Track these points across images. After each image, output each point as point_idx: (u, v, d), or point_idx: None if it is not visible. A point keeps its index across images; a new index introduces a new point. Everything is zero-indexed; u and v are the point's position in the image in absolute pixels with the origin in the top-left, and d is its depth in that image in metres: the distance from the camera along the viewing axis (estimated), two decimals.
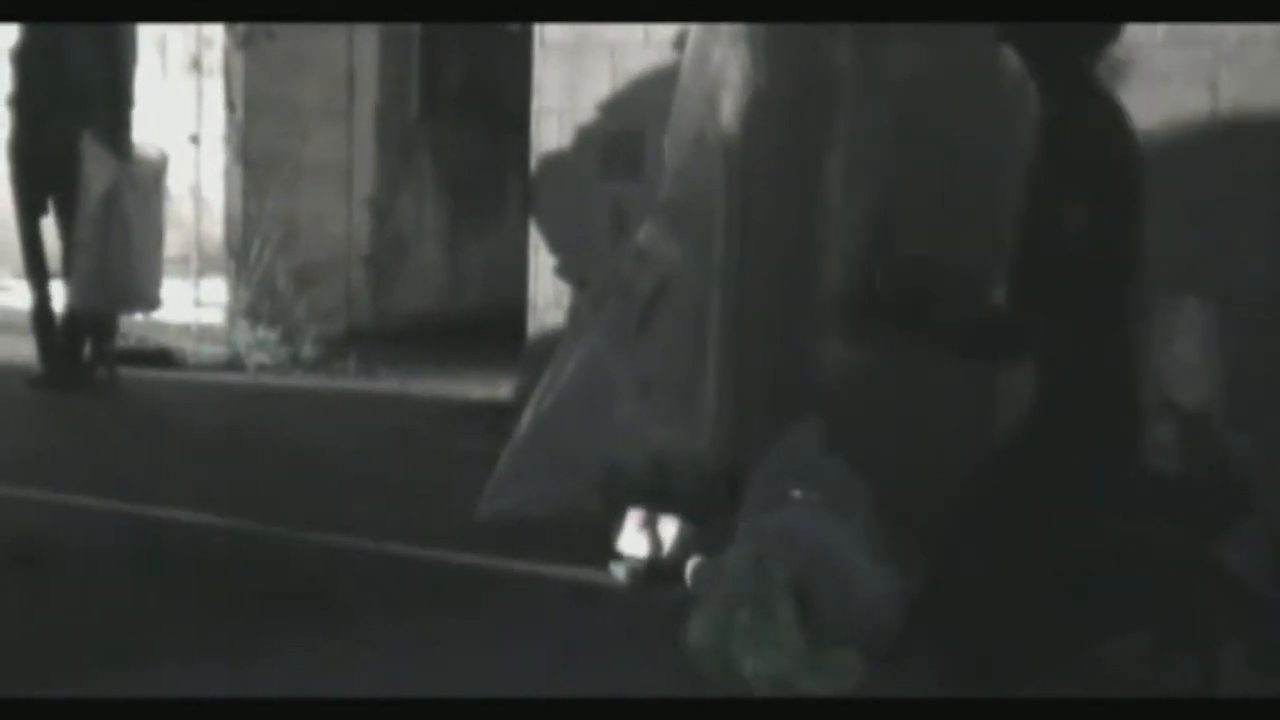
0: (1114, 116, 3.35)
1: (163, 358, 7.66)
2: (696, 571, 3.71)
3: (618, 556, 4.11)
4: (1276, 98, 4.12)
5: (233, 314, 8.24)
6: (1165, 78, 4.21)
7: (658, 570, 3.94)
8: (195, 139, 8.52)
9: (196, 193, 8.66)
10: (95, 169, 6.48)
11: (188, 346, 7.94)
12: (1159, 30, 4.24)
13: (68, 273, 6.63)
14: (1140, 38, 4.24)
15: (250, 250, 8.25)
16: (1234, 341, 4.00)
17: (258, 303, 8.19)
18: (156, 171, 6.86)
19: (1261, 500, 3.69)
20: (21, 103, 6.60)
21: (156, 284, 6.83)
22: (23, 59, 6.58)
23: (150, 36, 7.57)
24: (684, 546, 3.97)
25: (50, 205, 6.67)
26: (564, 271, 6.05)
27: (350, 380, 7.51)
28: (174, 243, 8.16)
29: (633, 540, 4.14)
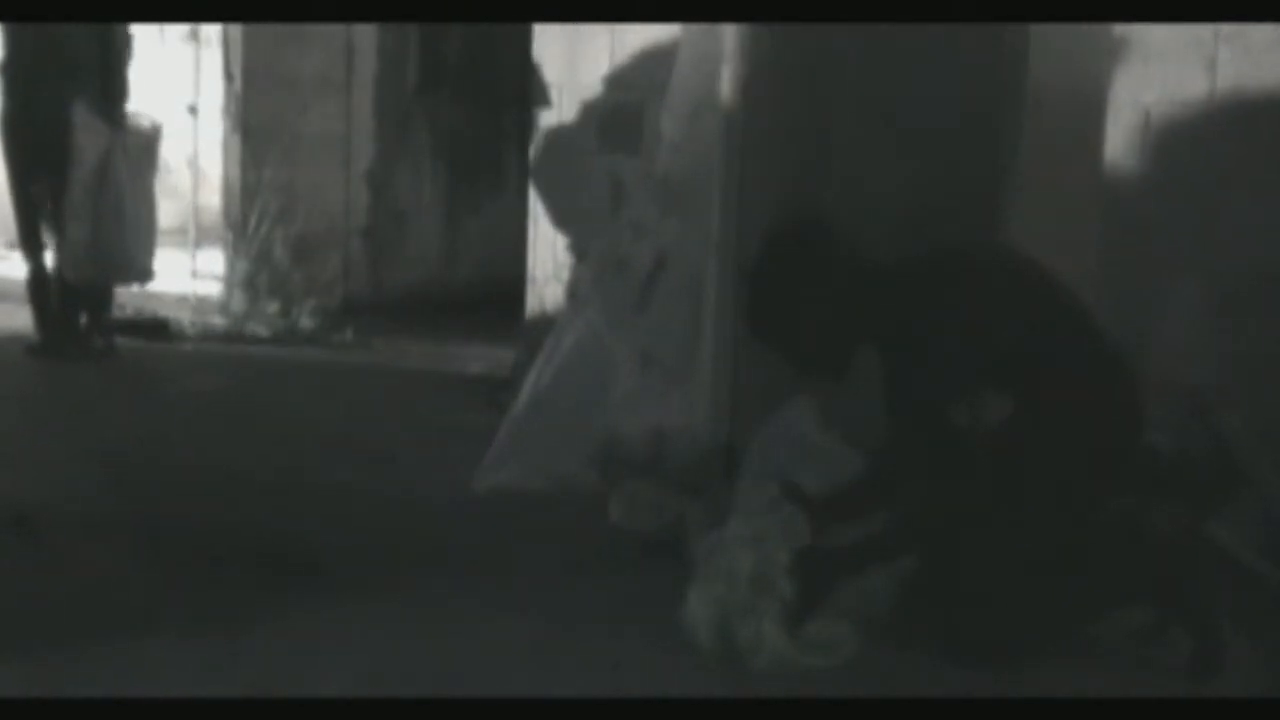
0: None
1: (159, 328, 7.67)
2: (694, 546, 3.72)
3: (614, 530, 4.12)
4: (1275, 77, 4.12)
5: (230, 285, 8.24)
6: (1163, 56, 4.20)
7: (654, 544, 3.95)
8: (193, 109, 8.51)
9: (194, 163, 8.65)
10: (88, 138, 6.47)
11: (185, 317, 7.94)
12: None
13: (60, 242, 6.63)
14: None
15: (248, 221, 8.25)
16: (1230, 319, 4.02)
17: (255, 274, 8.20)
18: (149, 141, 6.85)
19: (1255, 477, 3.70)
20: (13, 71, 6.58)
21: (149, 254, 6.82)
22: (15, 27, 6.55)
23: None
24: (680, 521, 3.98)
25: (43, 174, 6.66)
26: (562, 245, 6.06)
27: (347, 352, 7.52)
28: (171, 213, 8.16)
29: (629, 514, 4.15)
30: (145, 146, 6.82)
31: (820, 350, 3.37)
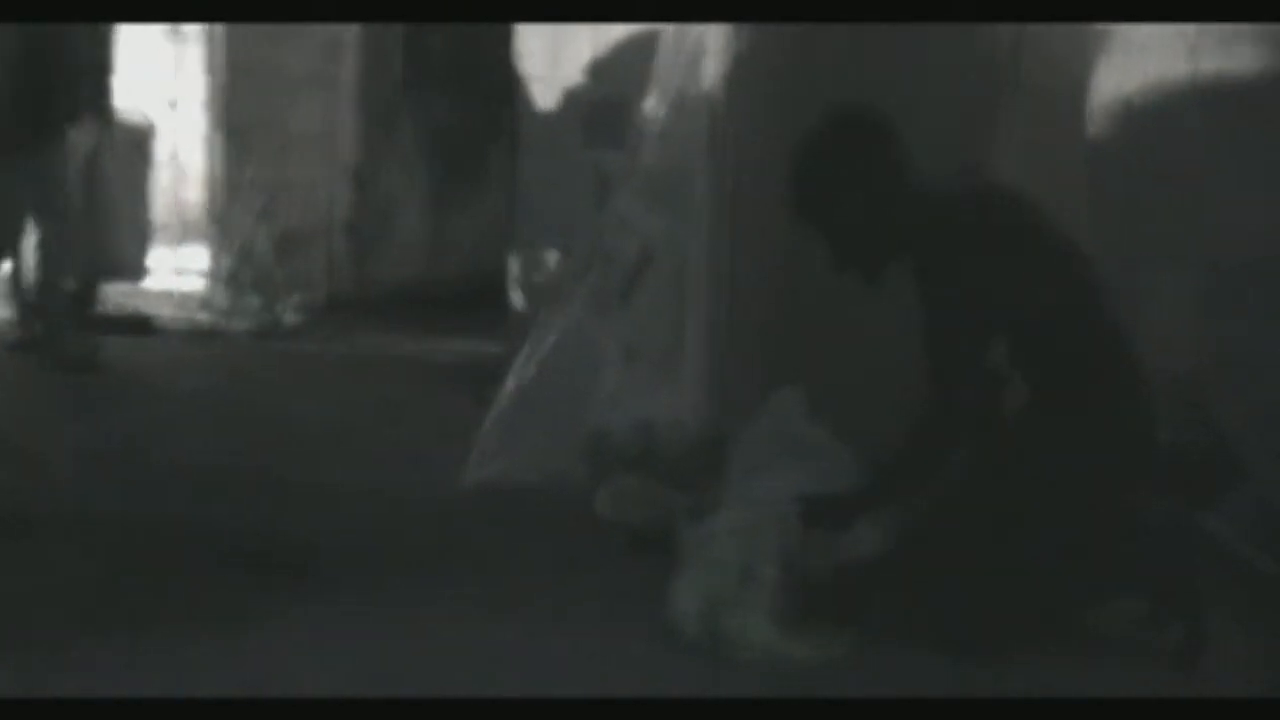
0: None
1: (143, 324, 7.63)
2: (683, 538, 3.72)
3: (603, 524, 4.12)
4: (1257, 67, 4.13)
5: (214, 281, 8.22)
6: (1145, 47, 4.21)
7: (643, 538, 3.95)
8: (174, 104, 8.48)
9: (176, 159, 8.62)
10: (77, 135, 6.44)
11: (168, 313, 7.92)
12: None
13: (45, 240, 6.59)
14: None
15: (231, 217, 8.23)
16: (1221, 311, 4.03)
17: (239, 269, 8.17)
18: (141, 138, 6.82)
19: (1251, 469, 3.71)
20: (2, 68, 6.54)
21: (141, 252, 6.80)
22: (3, 25, 6.51)
23: None
24: (669, 514, 3.98)
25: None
26: (548, 239, 6.06)
27: (332, 348, 7.50)
28: (154, 209, 8.14)
29: (618, 508, 4.15)
30: (138, 143, 6.79)
31: (859, 240, 3.39)
